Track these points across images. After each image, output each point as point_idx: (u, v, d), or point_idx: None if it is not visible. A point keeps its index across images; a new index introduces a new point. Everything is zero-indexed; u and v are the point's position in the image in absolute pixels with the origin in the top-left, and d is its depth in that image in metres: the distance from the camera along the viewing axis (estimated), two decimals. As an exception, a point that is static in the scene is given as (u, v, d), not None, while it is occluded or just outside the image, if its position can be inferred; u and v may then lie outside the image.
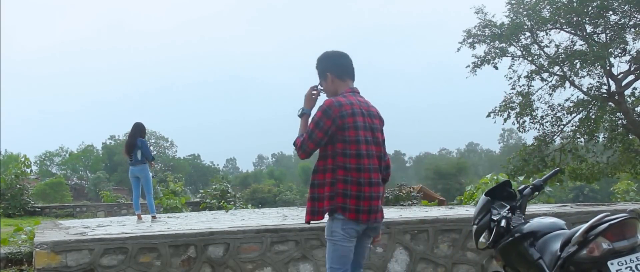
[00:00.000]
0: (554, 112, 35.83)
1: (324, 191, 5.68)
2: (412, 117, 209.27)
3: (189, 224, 11.77)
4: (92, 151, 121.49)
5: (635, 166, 33.70)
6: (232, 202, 32.31)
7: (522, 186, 5.89)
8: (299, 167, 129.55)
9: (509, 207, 5.60)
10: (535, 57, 35.42)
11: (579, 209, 10.63)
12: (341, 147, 5.66)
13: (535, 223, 5.40)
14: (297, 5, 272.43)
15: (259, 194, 78.76)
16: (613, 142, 33.82)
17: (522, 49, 35.26)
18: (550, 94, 35.90)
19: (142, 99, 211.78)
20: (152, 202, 16.12)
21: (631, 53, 33.00)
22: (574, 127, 35.43)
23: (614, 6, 32.96)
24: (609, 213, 4.74)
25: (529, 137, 39.89)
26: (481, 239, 5.71)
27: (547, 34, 35.34)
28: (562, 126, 36.07)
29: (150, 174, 16.15)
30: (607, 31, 33.88)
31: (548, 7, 33.87)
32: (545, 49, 35.29)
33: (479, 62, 35.62)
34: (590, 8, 32.79)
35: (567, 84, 35.04)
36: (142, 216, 15.79)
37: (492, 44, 35.28)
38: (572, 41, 34.92)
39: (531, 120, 35.70)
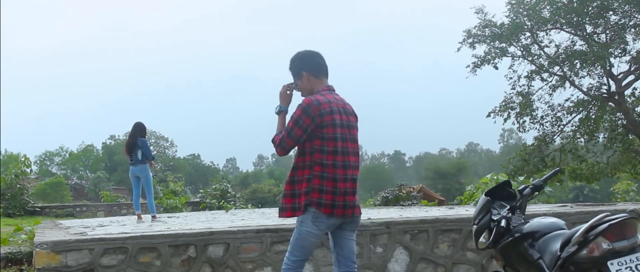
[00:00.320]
0: (554, 112, 35.82)
1: (302, 187, 5.87)
2: (412, 117, 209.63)
3: (189, 224, 11.78)
4: (92, 151, 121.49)
5: (635, 165, 33.70)
6: (232, 202, 32.33)
7: (522, 186, 5.89)
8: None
9: (509, 207, 5.61)
10: (535, 57, 35.41)
11: (579, 209, 10.64)
12: (319, 144, 5.84)
13: (535, 223, 5.40)
14: (297, 4, 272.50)
15: (259, 194, 78.67)
16: (613, 142, 33.81)
17: (522, 49, 35.25)
18: (550, 94, 35.91)
19: (142, 99, 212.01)
20: (153, 202, 16.13)
21: (631, 53, 33.00)
22: (574, 127, 35.42)
23: (614, 6, 32.95)
24: (609, 213, 4.74)
25: (529, 137, 39.91)
26: (481, 239, 5.72)
27: (547, 34, 35.34)
28: (562, 126, 36.06)
29: (151, 174, 16.16)
30: (607, 31, 33.87)
31: (548, 7, 33.86)
32: (545, 49, 35.30)
33: (479, 62, 35.61)
34: (590, 8, 32.79)
35: (567, 84, 35.03)
36: (142, 215, 15.80)
37: (492, 44, 35.27)
38: (572, 41, 34.92)
39: (531, 120, 35.69)
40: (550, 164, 34.84)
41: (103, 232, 9.41)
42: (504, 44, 35.11)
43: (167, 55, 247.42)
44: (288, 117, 6.02)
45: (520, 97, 35.61)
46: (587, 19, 33.55)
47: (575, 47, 34.49)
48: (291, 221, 7.73)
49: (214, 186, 35.04)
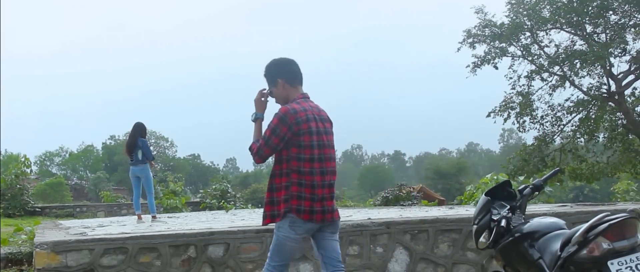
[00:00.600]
0: (554, 112, 35.81)
1: (281, 194, 5.96)
2: (412, 117, 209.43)
3: (189, 224, 11.79)
4: (92, 151, 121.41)
5: (635, 165, 33.71)
6: (232, 202, 32.31)
7: (522, 186, 5.90)
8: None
9: (509, 207, 5.61)
10: (535, 57, 35.41)
11: (579, 209, 10.64)
12: (296, 151, 5.92)
13: (535, 223, 5.40)
14: (297, 4, 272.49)
15: (259, 194, 78.20)
16: (613, 142, 33.82)
17: (522, 49, 35.24)
18: (550, 94, 35.91)
19: (142, 99, 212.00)
20: (153, 202, 16.13)
21: (631, 53, 32.99)
22: (574, 127, 35.41)
23: (614, 6, 32.95)
24: (609, 213, 4.75)
25: (529, 137, 39.89)
26: (481, 239, 5.72)
27: (547, 33, 35.34)
28: (562, 126, 36.05)
29: (151, 174, 16.15)
30: (607, 31, 33.86)
31: (548, 7, 33.86)
32: (545, 49, 35.29)
33: (479, 62, 35.61)
34: (590, 8, 32.78)
35: (567, 84, 35.03)
36: (142, 215, 15.80)
37: (492, 43, 35.26)
38: (572, 41, 34.91)
39: (531, 120, 35.68)
40: (550, 164, 34.84)
41: (103, 232, 9.42)
42: (504, 44, 35.11)
43: (167, 56, 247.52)
44: (264, 125, 6.13)
45: (520, 97, 35.60)
46: (587, 18, 33.54)
47: (575, 47, 34.48)
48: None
49: (214, 186, 35.02)
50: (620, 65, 33.78)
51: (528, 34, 34.89)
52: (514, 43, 35.03)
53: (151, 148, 17.15)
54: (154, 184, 16.75)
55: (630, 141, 33.74)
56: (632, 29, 33.31)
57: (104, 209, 32.80)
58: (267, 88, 6.39)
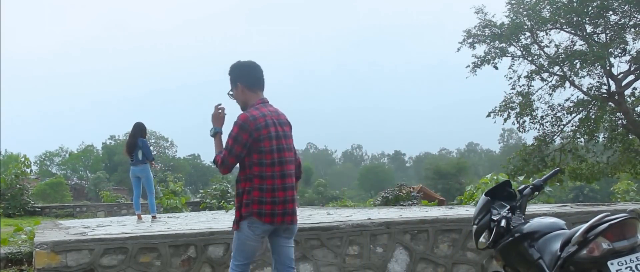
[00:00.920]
0: (554, 112, 35.81)
1: (243, 198, 6.13)
2: (412, 117, 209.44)
3: (189, 224, 11.79)
4: (92, 151, 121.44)
5: (635, 166, 33.70)
6: (232, 202, 32.28)
7: (522, 186, 5.89)
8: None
9: (509, 207, 5.61)
10: (535, 57, 35.41)
11: (579, 209, 10.64)
12: (257, 157, 6.08)
13: (535, 223, 5.40)
14: (297, 4, 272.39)
15: (259, 194, 78.51)
16: (613, 142, 33.81)
17: (522, 49, 35.25)
18: (550, 94, 35.90)
19: (142, 99, 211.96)
20: (154, 202, 16.12)
21: (631, 53, 32.99)
22: (574, 127, 35.40)
23: (614, 6, 32.94)
24: (609, 213, 4.75)
25: (529, 137, 39.89)
26: (481, 239, 5.72)
27: (547, 34, 35.34)
28: (562, 126, 36.05)
29: (152, 174, 16.14)
30: (607, 31, 33.85)
31: (548, 7, 33.85)
32: (545, 49, 35.29)
33: (479, 62, 35.61)
34: (590, 8, 32.77)
35: (567, 84, 35.03)
36: (142, 215, 15.79)
37: (492, 44, 35.26)
38: (572, 41, 34.91)
39: (531, 120, 35.67)
40: (550, 164, 34.84)
41: (103, 232, 9.41)
42: (503, 44, 35.11)
43: (167, 56, 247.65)
44: (224, 136, 6.27)
45: (520, 97, 35.60)
46: (587, 18, 33.54)
47: (575, 47, 34.48)
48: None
49: (214, 186, 35.01)
50: (620, 65, 33.81)
51: (528, 34, 34.89)
52: (514, 43, 35.03)
53: (151, 148, 17.14)
54: (154, 184, 16.74)
55: (630, 141, 33.73)
56: (632, 29, 33.32)
57: (104, 209, 32.78)
58: (222, 103, 6.55)
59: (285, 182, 6.14)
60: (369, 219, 9.81)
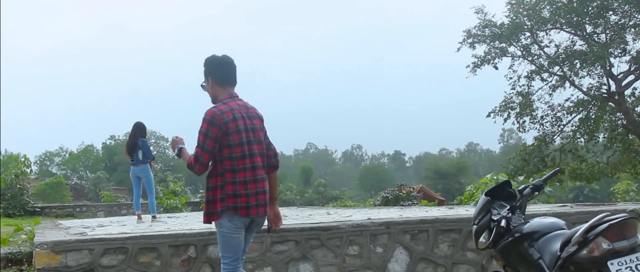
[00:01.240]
0: (554, 112, 35.84)
1: (216, 193, 6.21)
2: (411, 117, 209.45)
3: (189, 224, 11.77)
4: (92, 151, 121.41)
5: (635, 166, 33.72)
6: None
7: (522, 186, 5.90)
8: (299, 167, 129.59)
9: (509, 207, 5.61)
10: (535, 57, 35.45)
11: (579, 209, 10.64)
12: (227, 152, 6.18)
13: (535, 223, 5.40)
14: (297, 4, 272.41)
15: (258, 194, 78.50)
16: (613, 142, 33.83)
17: (522, 49, 35.27)
18: (550, 94, 35.94)
19: (142, 99, 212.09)
20: (154, 202, 16.11)
21: (631, 53, 33.00)
22: (574, 127, 35.44)
23: (614, 6, 32.95)
24: (609, 213, 4.75)
25: (529, 137, 39.92)
26: (481, 239, 5.72)
27: (547, 34, 35.37)
28: (562, 126, 36.08)
29: (152, 174, 16.12)
30: (607, 31, 33.87)
31: (548, 7, 33.87)
32: (545, 49, 35.32)
33: (479, 62, 35.63)
34: (590, 8, 32.78)
35: (567, 84, 35.07)
36: (142, 215, 15.77)
37: (492, 44, 35.29)
38: (572, 41, 34.93)
39: (531, 120, 35.70)
40: (550, 164, 34.86)
41: (103, 232, 9.41)
42: (503, 44, 35.14)
43: (166, 55, 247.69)
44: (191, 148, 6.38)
45: (520, 97, 35.64)
46: (587, 19, 33.56)
47: (575, 47, 34.51)
48: (291, 221, 7.70)
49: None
50: (620, 65, 33.84)
51: (528, 34, 34.92)
52: (514, 43, 35.06)
53: (151, 148, 17.12)
54: (154, 184, 16.73)
55: (630, 141, 33.74)
56: (632, 29, 33.33)
57: (104, 209, 32.75)
58: (180, 138, 6.79)
59: (256, 175, 6.24)
60: (369, 219, 9.80)
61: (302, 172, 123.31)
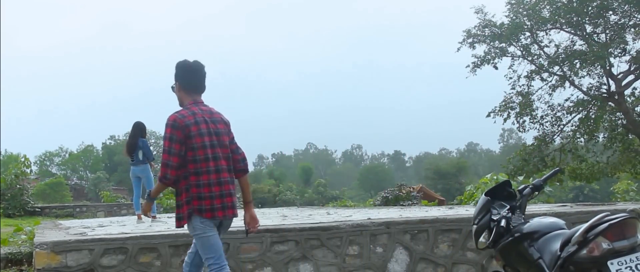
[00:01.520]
0: (554, 112, 35.83)
1: (182, 197, 6.38)
2: (411, 117, 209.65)
3: (189, 224, 11.76)
4: (92, 151, 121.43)
5: (635, 165, 33.71)
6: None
7: (522, 186, 5.90)
8: (299, 167, 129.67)
9: (508, 207, 5.61)
10: (535, 57, 35.43)
11: (578, 209, 10.65)
12: (191, 155, 6.32)
13: (535, 223, 5.40)
14: (297, 4, 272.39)
15: (258, 194, 78.62)
16: (613, 142, 33.83)
17: (522, 49, 35.26)
18: (550, 94, 35.93)
19: (142, 99, 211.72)
20: (154, 202, 16.07)
21: (631, 53, 32.97)
22: (573, 127, 35.43)
23: (614, 6, 32.93)
24: (608, 213, 4.75)
25: (529, 137, 39.90)
26: (481, 239, 5.72)
27: (547, 34, 35.35)
28: (562, 126, 36.07)
29: (152, 174, 16.11)
30: (607, 31, 33.85)
31: (548, 7, 33.87)
32: (545, 49, 35.31)
33: (478, 62, 35.61)
34: (590, 8, 32.78)
35: (567, 84, 35.06)
36: (142, 216, 15.76)
37: (492, 44, 35.28)
38: (572, 41, 34.92)
39: (531, 120, 35.69)
40: (550, 164, 34.85)
41: (103, 232, 9.41)
42: (503, 44, 35.12)
43: (167, 55, 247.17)
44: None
45: (520, 97, 35.63)
46: (587, 18, 33.55)
47: (575, 47, 34.51)
48: (291, 221, 7.69)
49: (214, 186, 35.01)
50: (620, 65, 33.80)
51: (528, 34, 34.90)
52: (514, 43, 35.04)
53: (151, 148, 17.11)
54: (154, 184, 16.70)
55: (630, 140, 33.74)
56: (632, 29, 33.31)
57: (104, 209, 32.74)
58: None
59: (219, 177, 6.37)
60: (369, 219, 9.81)
61: (302, 172, 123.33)
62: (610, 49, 32.34)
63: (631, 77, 33.31)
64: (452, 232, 9.25)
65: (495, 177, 20.46)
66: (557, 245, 4.91)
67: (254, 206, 7.03)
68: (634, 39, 33.39)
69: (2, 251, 11.75)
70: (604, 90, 34.21)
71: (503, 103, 35.97)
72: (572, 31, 34.57)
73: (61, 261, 7.47)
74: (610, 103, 33.68)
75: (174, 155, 6.24)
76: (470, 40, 35.40)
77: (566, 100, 35.60)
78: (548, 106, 36.00)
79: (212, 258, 6.31)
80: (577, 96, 35.08)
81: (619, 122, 33.84)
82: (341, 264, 8.69)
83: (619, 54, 33.09)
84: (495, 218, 5.56)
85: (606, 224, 4.57)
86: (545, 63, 35.07)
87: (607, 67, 32.99)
